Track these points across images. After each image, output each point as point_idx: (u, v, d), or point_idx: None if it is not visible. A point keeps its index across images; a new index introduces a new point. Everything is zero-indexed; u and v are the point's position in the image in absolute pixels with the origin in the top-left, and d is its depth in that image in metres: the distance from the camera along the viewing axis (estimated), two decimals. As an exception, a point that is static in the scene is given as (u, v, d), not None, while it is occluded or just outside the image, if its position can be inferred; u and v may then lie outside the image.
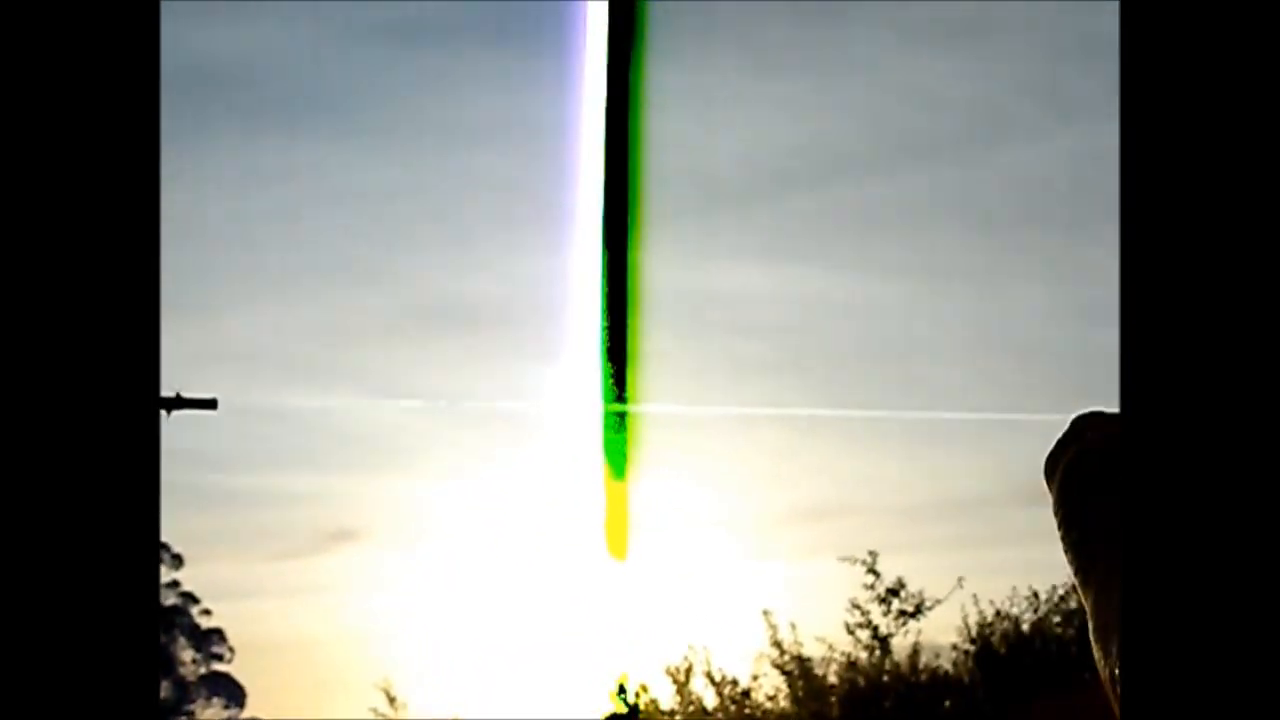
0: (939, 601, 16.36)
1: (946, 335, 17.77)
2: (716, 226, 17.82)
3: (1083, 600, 0.83)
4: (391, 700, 16.90)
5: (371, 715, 17.05)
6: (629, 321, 14.23)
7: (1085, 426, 0.93)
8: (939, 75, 16.97)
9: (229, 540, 27.18)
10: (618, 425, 14.97)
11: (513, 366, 16.47)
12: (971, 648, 16.48)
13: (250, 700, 23.09)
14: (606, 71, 13.46)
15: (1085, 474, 0.90)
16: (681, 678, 17.33)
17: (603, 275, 14.09)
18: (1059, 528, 0.91)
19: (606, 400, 15.19)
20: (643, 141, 13.88)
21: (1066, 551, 0.88)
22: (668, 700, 17.45)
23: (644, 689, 17.43)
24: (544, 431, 15.61)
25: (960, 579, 16.31)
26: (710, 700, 17.27)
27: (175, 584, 23.43)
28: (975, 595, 16.27)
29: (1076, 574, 0.84)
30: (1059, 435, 0.96)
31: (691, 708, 17.37)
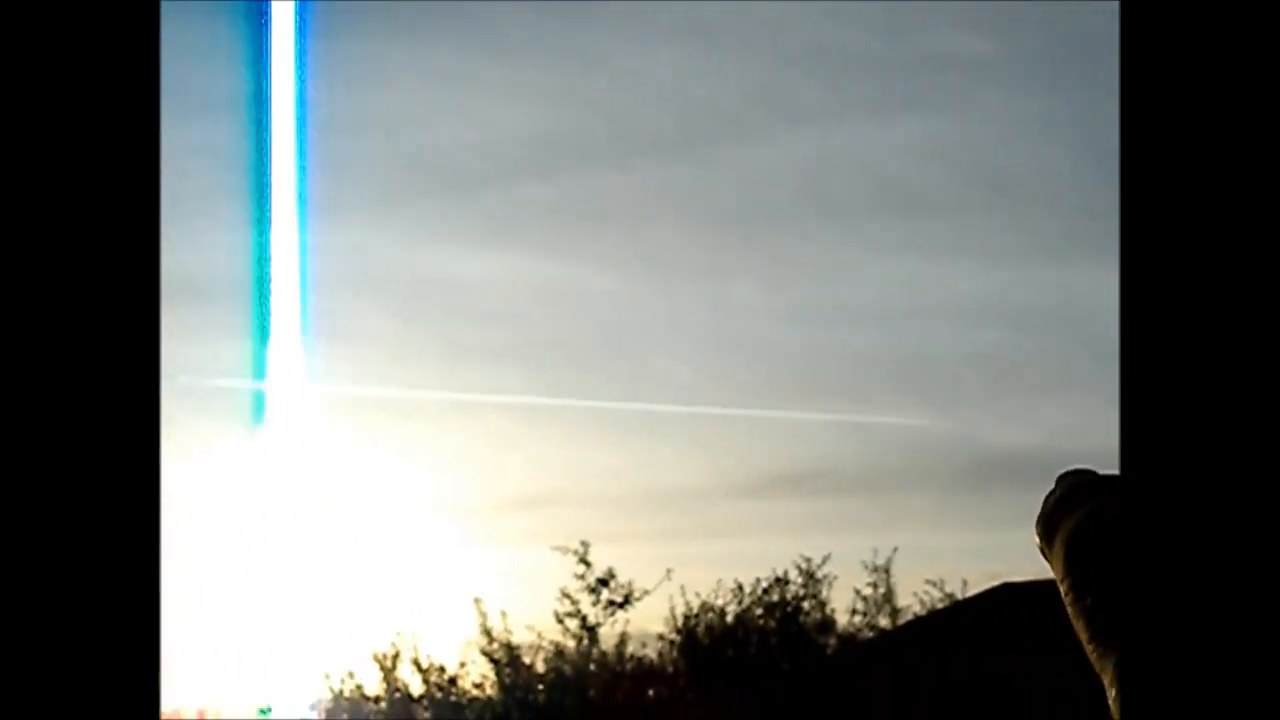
0: (647, 592, 16.62)
1: (666, 328, 18.04)
2: (443, 210, 17.74)
3: (1095, 666, 0.81)
4: None
5: None
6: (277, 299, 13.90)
7: (1081, 489, 0.90)
8: (672, 74, 17.23)
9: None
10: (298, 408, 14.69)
11: (227, 342, 16.15)
12: (677, 638, 16.80)
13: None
14: (296, 48, 13.23)
15: (1096, 541, 0.87)
16: (389, 664, 17.24)
17: (301, 253, 13.85)
18: (1067, 594, 0.88)
19: (312, 380, 14.96)
20: (301, 123, 13.61)
21: (1077, 618, 0.85)
22: (374, 686, 17.34)
23: (350, 675, 17.29)
24: (257, 410, 15.31)
25: (669, 570, 16.59)
26: (417, 687, 17.23)
27: None
28: (683, 586, 16.59)
29: (1091, 640, 0.82)
30: (1051, 495, 0.92)
31: (397, 694, 17.29)
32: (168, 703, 16.61)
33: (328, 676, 17.46)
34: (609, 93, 17.13)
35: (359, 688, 17.49)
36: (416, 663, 17.26)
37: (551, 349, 17.56)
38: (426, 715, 17.53)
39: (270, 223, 13.87)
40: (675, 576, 16.92)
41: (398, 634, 17.34)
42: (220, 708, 16.74)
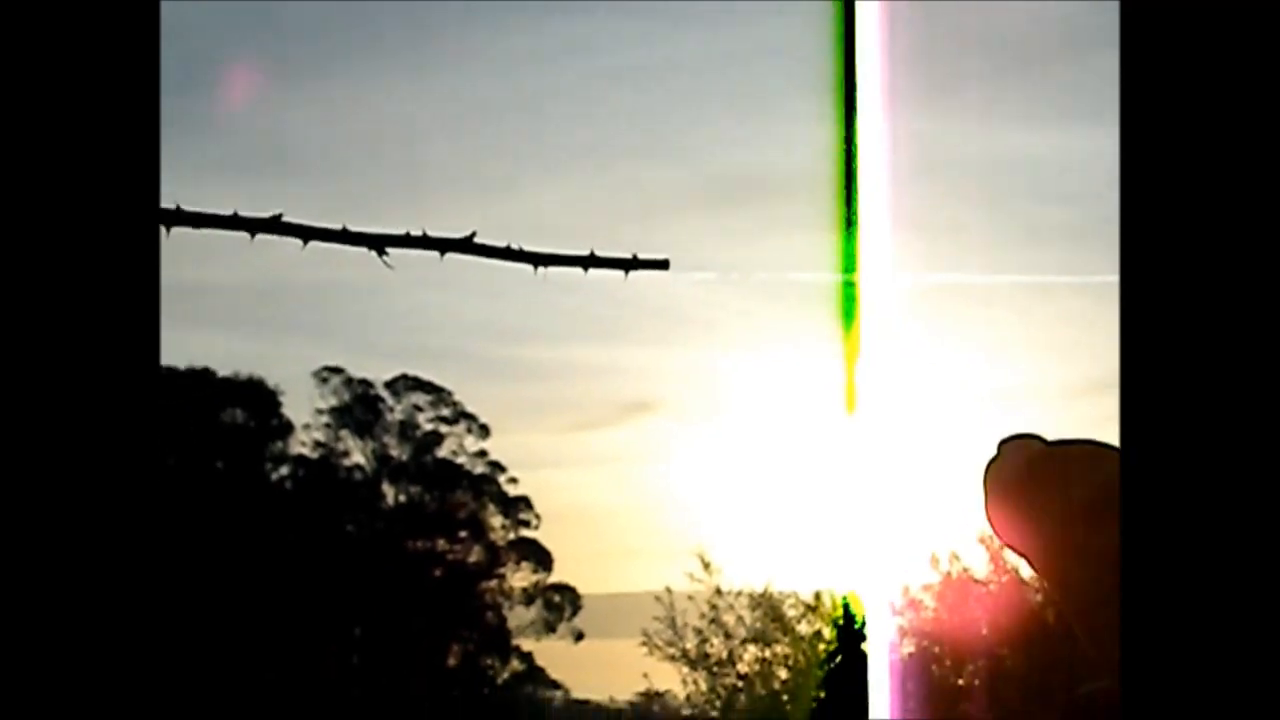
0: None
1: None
2: (1014, 89, 16.84)
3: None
4: (706, 566, 17.32)
5: (687, 580, 17.53)
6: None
7: (1046, 463, 0.83)
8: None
9: (532, 411, 27.82)
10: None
11: (805, 237, 16.06)
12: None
13: (556, 565, 23.86)
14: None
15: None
16: (995, 547, 17.48)
17: (879, 143, 13.54)
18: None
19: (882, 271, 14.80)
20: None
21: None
22: (982, 569, 17.66)
23: (956, 557, 17.64)
24: (839, 302, 15.36)
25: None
26: (1026, 570, 17.44)
27: (483, 453, 24.01)
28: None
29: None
30: (1000, 466, 0.84)
31: (1005, 577, 17.57)
32: (786, 585, 17.42)
33: (935, 560, 17.87)
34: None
35: (966, 570, 17.86)
36: (1023, 546, 17.41)
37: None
38: (1036, 598, 17.79)
39: (853, 114, 13.58)
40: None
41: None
42: (834, 589, 17.44)
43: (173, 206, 1.34)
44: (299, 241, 1.47)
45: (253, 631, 20.07)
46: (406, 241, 1.50)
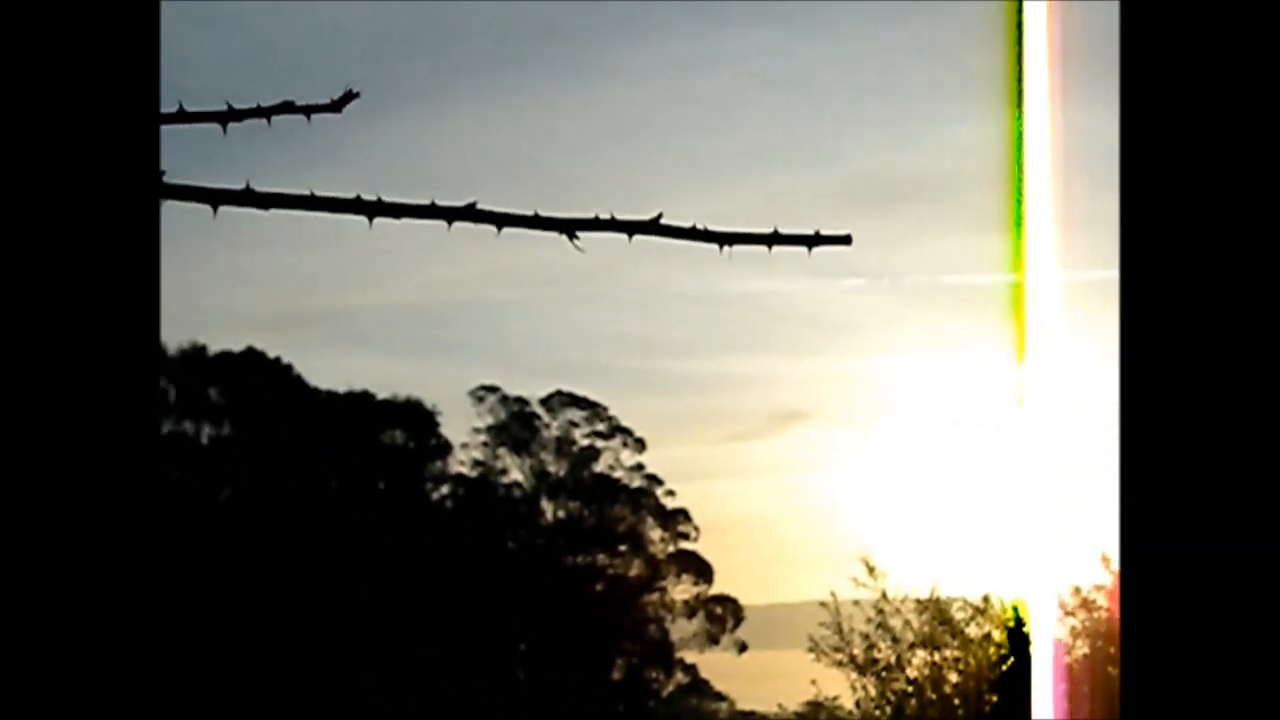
0: None
1: None
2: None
3: None
4: (871, 570, 17.13)
5: (852, 586, 17.36)
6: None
7: None
8: None
9: (687, 423, 28.08)
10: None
11: (954, 239, 15.90)
12: None
13: (717, 576, 23.89)
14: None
15: None
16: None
17: (1024, 140, 13.29)
18: None
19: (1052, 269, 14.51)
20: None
21: None
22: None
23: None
24: (996, 302, 15.16)
25: None
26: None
27: (640, 466, 24.18)
28: None
29: None
30: None
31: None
32: (952, 589, 17.19)
33: (1106, 560, 17.53)
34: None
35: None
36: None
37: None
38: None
39: (1020, 114, 13.38)
40: None
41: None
42: (1003, 593, 17.19)
43: (374, 198, 1.36)
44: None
45: (419, 648, 20.29)
46: (596, 225, 1.49)
